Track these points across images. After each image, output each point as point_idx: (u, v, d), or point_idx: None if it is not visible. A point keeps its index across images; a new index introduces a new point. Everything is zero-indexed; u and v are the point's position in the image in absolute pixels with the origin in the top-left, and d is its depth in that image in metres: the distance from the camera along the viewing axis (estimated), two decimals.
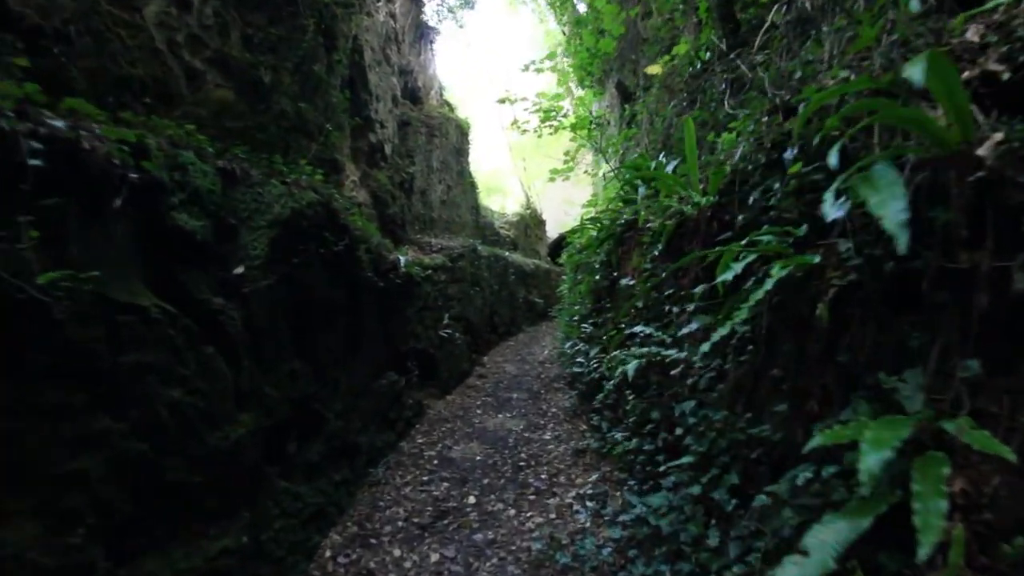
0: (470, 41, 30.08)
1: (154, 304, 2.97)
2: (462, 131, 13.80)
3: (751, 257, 2.27)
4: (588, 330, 6.81)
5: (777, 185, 2.53)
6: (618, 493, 4.65)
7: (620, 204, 7.08)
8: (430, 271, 7.71)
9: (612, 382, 5.13)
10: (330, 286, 4.74)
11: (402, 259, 6.42)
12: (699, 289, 3.20)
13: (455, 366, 8.62)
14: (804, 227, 2.32)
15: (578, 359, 7.38)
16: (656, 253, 4.36)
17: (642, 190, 5.45)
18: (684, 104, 6.51)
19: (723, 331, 2.31)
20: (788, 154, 2.55)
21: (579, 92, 11.61)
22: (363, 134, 8.93)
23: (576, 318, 7.89)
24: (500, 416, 7.40)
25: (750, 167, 3.01)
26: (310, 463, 4.26)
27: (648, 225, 4.65)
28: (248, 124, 5.69)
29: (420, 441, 6.31)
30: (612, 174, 9.61)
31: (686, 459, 2.93)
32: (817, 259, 2.07)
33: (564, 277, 14.02)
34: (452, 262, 8.82)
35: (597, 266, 6.81)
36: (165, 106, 4.79)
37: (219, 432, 3.23)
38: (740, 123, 3.43)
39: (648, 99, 8.68)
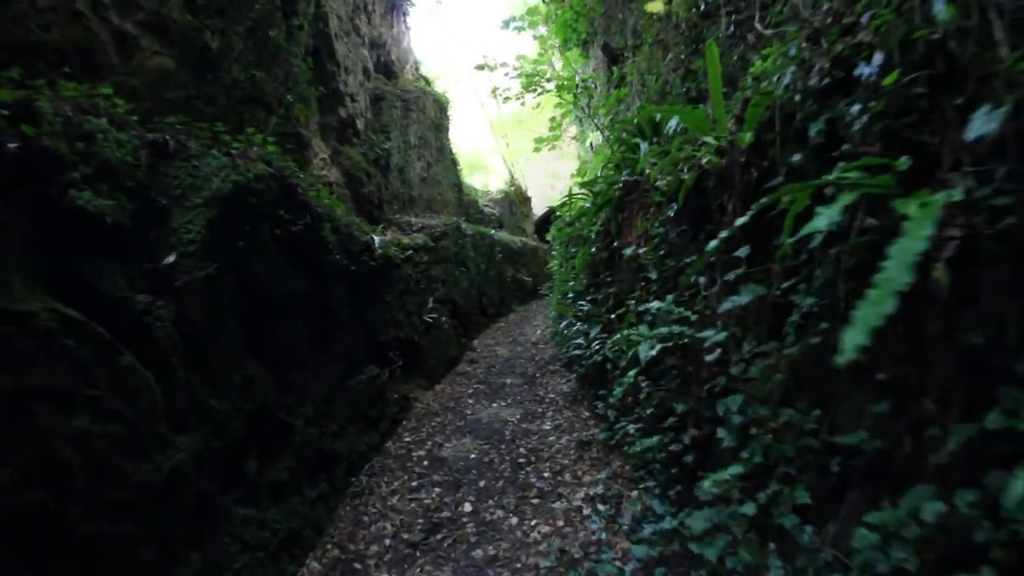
0: (447, 13, 28.99)
1: (46, 309, 2.27)
2: (440, 106, 12.98)
3: (850, 198, 1.61)
4: (586, 308, 6.17)
5: (856, 107, 1.87)
6: (634, 493, 4.05)
7: (613, 170, 6.40)
8: (410, 252, 7.01)
9: (621, 366, 4.50)
10: (290, 273, 4.03)
11: (376, 239, 5.72)
12: (743, 251, 2.55)
13: (443, 353, 7.96)
14: (905, 159, 1.66)
15: (576, 340, 6.76)
16: (671, 215, 3.70)
17: (644, 147, 4.76)
18: (684, 56, 5.80)
19: (807, 302, 1.68)
20: (866, 69, 1.88)
21: (560, 63, 10.82)
22: (332, 108, 8.14)
23: (571, 295, 7.25)
24: (494, 405, 6.77)
25: (797, 96, 2.34)
26: (277, 482, 3.60)
27: (657, 184, 3.98)
28: (192, 94, 4.92)
29: (408, 440, 5.67)
30: (603, 140, 8.91)
31: (734, 469, 2.30)
32: (958, 195, 1.42)
33: (553, 253, 13.39)
34: (434, 241, 8.12)
35: (593, 236, 6.15)
36: (91, 76, 4.04)
37: (148, 464, 2.55)
38: (775, 49, 2.75)
39: (639, 58, 7.95)
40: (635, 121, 5.14)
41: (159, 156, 3.36)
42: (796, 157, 2.21)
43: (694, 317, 3.38)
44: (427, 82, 12.62)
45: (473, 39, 32.15)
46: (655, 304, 3.61)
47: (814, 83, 2.25)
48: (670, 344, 3.37)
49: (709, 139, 3.08)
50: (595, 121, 9.00)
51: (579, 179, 9.39)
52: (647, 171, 4.48)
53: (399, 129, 10.26)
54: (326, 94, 7.91)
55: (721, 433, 2.52)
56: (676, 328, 3.32)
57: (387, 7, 11.81)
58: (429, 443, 5.60)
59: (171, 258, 3.00)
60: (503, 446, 5.50)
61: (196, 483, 2.83)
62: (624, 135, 5.67)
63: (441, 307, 8.03)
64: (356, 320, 5.30)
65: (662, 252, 4.03)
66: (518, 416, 6.33)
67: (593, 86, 8.62)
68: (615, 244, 5.18)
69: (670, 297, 3.62)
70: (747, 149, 2.63)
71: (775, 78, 2.57)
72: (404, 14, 12.94)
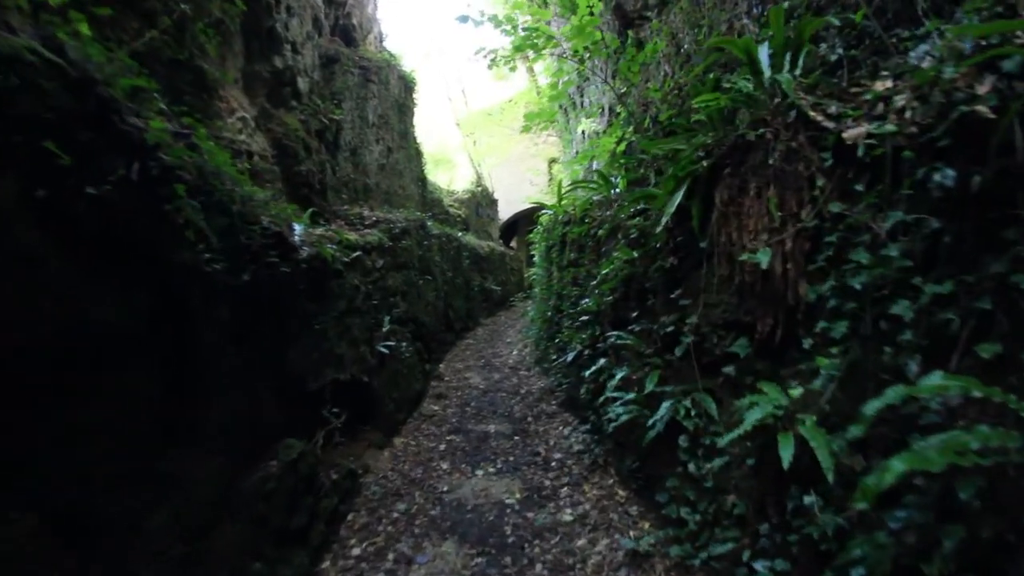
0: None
1: None
2: (406, 84, 10.72)
3: None
4: (623, 341, 4.06)
5: None
6: None
7: (648, 143, 4.38)
8: (359, 253, 4.75)
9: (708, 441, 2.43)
10: (83, 285, 1.77)
11: (298, 229, 3.50)
12: None
13: (404, 390, 5.71)
14: None
15: (588, 374, 4.67)
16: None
17: (786, 76, 2.72)
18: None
19: None
20: None
21: (557, 26, 8.75)
22: (264, 54, 5.82)
23: (585, 318, 5.14)
24: (479, 474, 4.59)
25: None
26: None
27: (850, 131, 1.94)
28: None
29: (355, 555, 3.40)
30: (606, 118, 6.89)
31: None
32: None
33: (535, 258, 11.30)
34: (393, 240, 5.87)
35: (639, 233, 4.08)
36: None
37: None
38: None
39: (673, 15, 5.97)
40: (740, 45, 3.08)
41: None
42: None
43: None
44: (392, 56, 10.34)
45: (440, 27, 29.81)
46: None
47: None
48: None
49: None
50: (613, 88, 6.95)
51: (576, 170, 7.34)
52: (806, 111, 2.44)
53: (355, 101, 7.97)
54: (256, 32, 5.60)
55: None
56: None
57: None
58: (390, 559, 3.36)
59: None
60: (507, 559, 3.33)
61: None
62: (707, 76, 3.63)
63: (401, 329, 5.78)
64: (260, 367, 3.04)
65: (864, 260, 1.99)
66: (518, 495, 4.17)
67: (604, 49, 6.59)
68: (709, 244, 3.10)
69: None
70: None
71: None
72: None
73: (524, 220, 21.62)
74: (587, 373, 4.80)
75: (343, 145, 7.37)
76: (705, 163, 3.17)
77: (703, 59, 4.97)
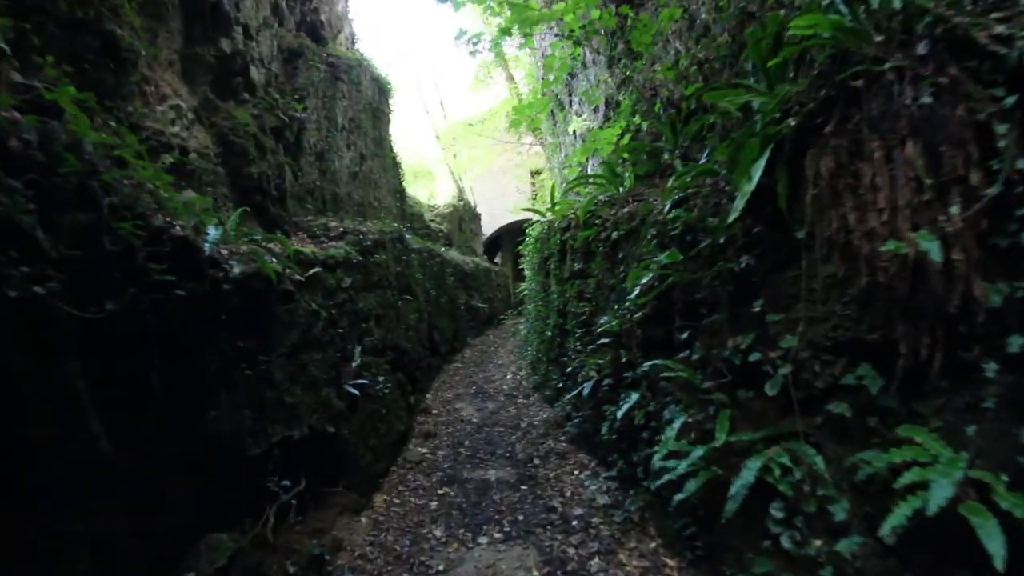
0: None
1: None
2: (380, 88, 9.78)
3: None
4: (671, 370, 3.08)
5: None
6: None
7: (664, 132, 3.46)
8: (317, 270, 3.72)
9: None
10: None
11: (212, 233, 2.52)
12: None
13: (384, 434, 4.67)
14: None
15: (616, 413, 3.70)
16: None
17: None
18: None
19: None
20: None
21: None
22: (207, 34, 4.83)
23: (605, 340, 4.17)
24: (482, 543, 3.56)
25: None
26: None
27: None
28: None
29: None
30: (623, 97, 5.99)
31: None
32: None
33: (524, 272, 10.34)
34: (364, 255, 4.83)
35: (676, 230, 3.16)
36: None
37: None
38: None
39: None
40: None
41: None
42: None
43: None
44: (364, 58, 9.40)
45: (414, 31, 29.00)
46: None
47: None
48: None
49: None
50: (603, 81, 6.09)
51: (576, 159, 6.43)
52: None
53: (321, 99, 6.99)
54: (197, 9, 4.61)
55: None
56: None
57: None
58: None
59: None
60: None
61: None
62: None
63: (377, 360, 4.76)
64: (159, 439, 2.02)
65: None
66: (536, 573, 3.15)
67: (602, 33, 5.73)
68: (808, 235, 2.16)
69: None
70: None
71: None
72: None
73: (508, 234, 20.73)
74: (613, 411, 3.83)
75: (307, 148, 6.37)
76: (791, 122, 2.26)
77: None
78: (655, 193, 4.17)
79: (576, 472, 4.59)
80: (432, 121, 18.78)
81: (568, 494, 4.17)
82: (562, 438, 5.31)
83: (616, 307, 4.08)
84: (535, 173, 19.68)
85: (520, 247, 10.50)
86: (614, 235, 4.36)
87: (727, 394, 2.65)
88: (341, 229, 4.93)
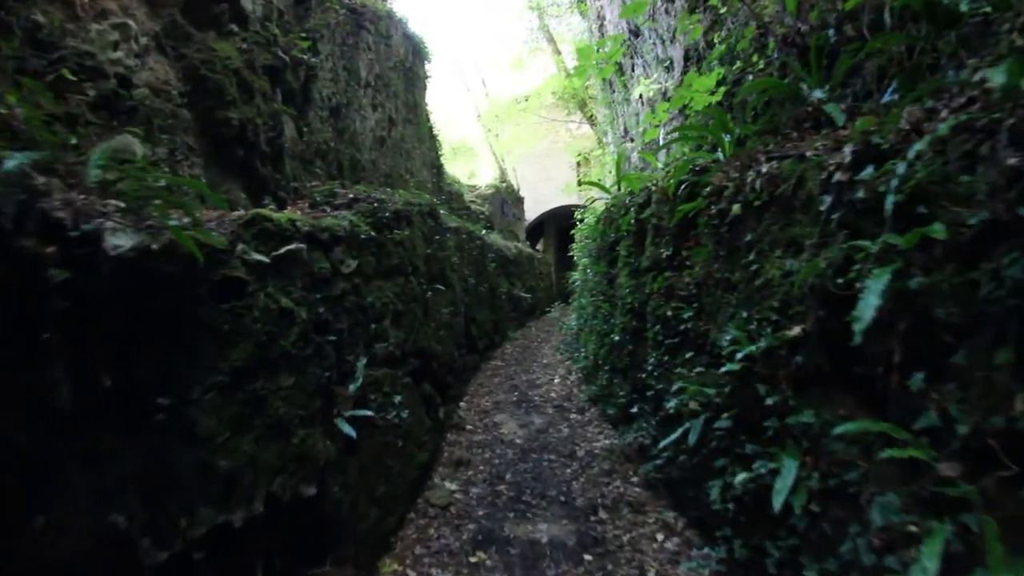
0: None
1: None
2: (415, 47, 8.46)
3: None
4: (896, 450, 1.68)
5: None
6: None
7: None
8: (295, 247, 2.37)
9: None
10: None
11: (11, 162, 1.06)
12: None
13: (396, 476, 3.36)
14: None
15: (741, 479, 2.33)
16: None
17: None
18: None
19: None
20: None
21: None
22: None
23: (732, 367, 2.74)
24: None
25: None
26: None
27: None
28: None
29: None
30: (717, 38, 4.49)
31: None
32: None
33: (576, 259, 8.92)
34: (378, 230, 3.45)
35: (895, 194, 1.71)
36: None
37: None
38: None
39: None
40: None
41: None
42: None
43: None
44: (394, 12, 8.09)
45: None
46: None
47: None
48: None
49: None
50: (684, 28, 4.60)
51: (662, 116, 4.95)
52: None
53: (339, 47, 5.70)
54: None
55: None
56: None
57: None
58: None
59: None
60: None
61: None
62: None
63: (394, 373, 3.44)
64: None
65: None
66: None
67: None
68: None
69: None
70: None
71: None
72: None
73: (552, 220, 19.27)
74: (735, 472, 2.44)
75: (318, 100, 5.10)
76: None
77: None
78: (810, 146, 2.70)
79: (660, 538, 3.22)
80: (473, 99, 17.41)
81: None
82: (634, 479, 3.93)
83: (744, 315, 2.66)
84: (582, 158, 18.13)
85: (572, 231, 9.12)
86: (735, 209, 2.92)
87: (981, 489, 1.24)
88: (351, 196, 3.62)
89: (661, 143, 6.16)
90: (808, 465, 2.16)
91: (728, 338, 2.70)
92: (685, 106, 5.25)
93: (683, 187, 3.58)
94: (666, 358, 3.63)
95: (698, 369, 3.09)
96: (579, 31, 11.69)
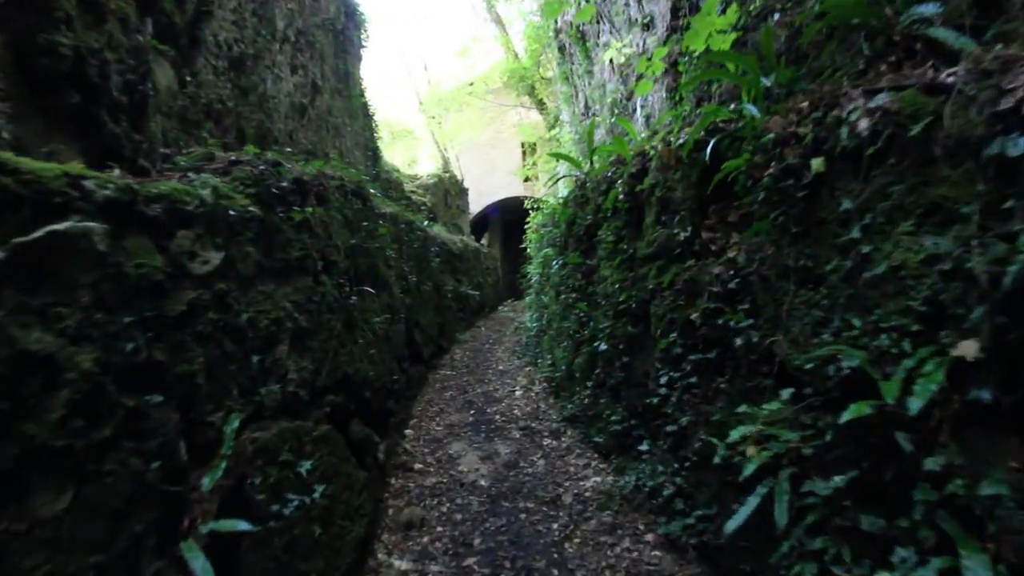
0: None
1: None
2: (349, 10, 7.15)
3: None
4: None
5: None
6: None
7: None
8: (70, 228, 1.16)
9: None
10: None
11: None
12: None
13: None
14: None
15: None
16: None
17: None
18: None
19: None
20: None
21: None
22: None
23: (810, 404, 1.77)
24: None
25: None
26: None
27: None
28: None
29: None
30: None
31: None
32: None
33: (532, 252, 7.88)
34: (266, 207, 2.21)
35: None
36: None
37: None
38: None
39: None
40: None
41: None
42: None
43: None
44: None
45: None
46: None
47: None
48: None
49: None
50: None
51: (656, 68, 3.98)
52: None
53: None
54: None
55: None
56: None
57: None
58: None
59: None
60: None
61: None
62: None
63: (300, 426, 2.27)
64: None
65: None
66: None
67: None
68: None
69: None
70: None
71: None
72: None
73: (497, 213, 18.21)
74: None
75: (211, 44, 3.80)
76: None
77: None
78: (923, 77, 1.76)
79: None
80: (415, 85, 16.06)
81: None
82: (648, 536, 2.93)
83: (848, 322, 1.70)
84: (528, 147, 17.12)
85: (521, 223, 8.07)
86: (816, 165, 1.94)
87: None
88: (231, 159, 2.41)
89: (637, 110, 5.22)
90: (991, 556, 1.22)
91: (819, 356, 1.72)
92: (675, 63, 4.31)
93: (706, 146, 2.60)
94: (693, 380, 2.64)
95: (773, 406, 2.08)
96: (530, 10, 10.68)
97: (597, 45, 6.97)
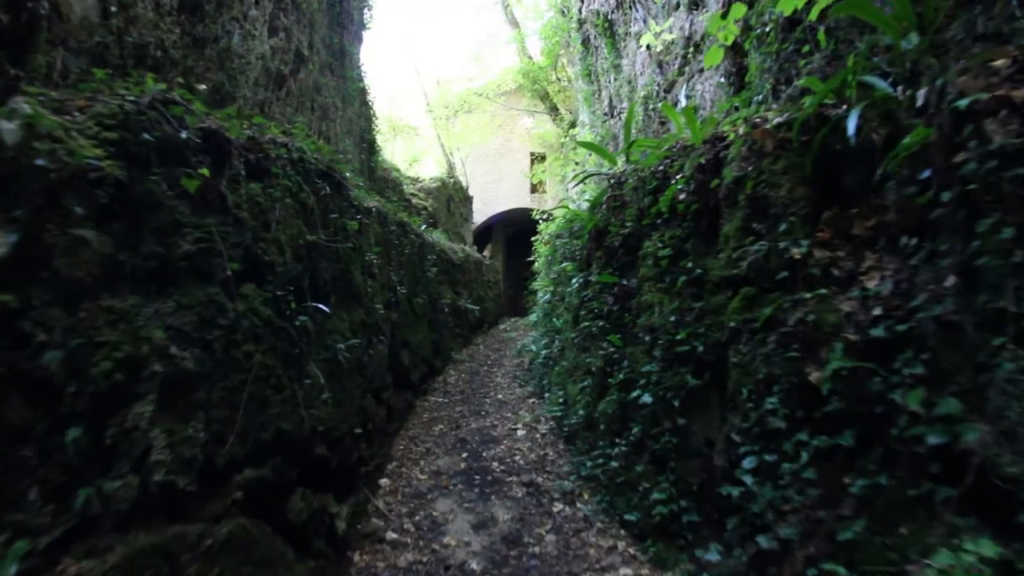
0: None
1: None
2: None
3: None
4: None
5: None
6: None
7: None
8: None
9: None
10: None
11: None
12: None
13: None
14: None
15: None
16: None
17: None
18: None
19: None
20: None
21: None
22: None
23: None
24: None
25: None
26: None
27: None
28: None
29: None
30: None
31: None
32: None
33: (543, 268, 6.94)
34: (130, 165, 1.31)
35: None
36: None
37: None
38: None
39: None
40: None
41: None
42: None
43: None
44: None
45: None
46: None
47: None
48: None
49: None
50: None
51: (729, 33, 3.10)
52: None
53: None
54: None
55: None
56: None
57: None
58: None
59: None
60: None
61: None
62: None
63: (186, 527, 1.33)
64: None
65: None
66: None
67: None
68: None
69: None
70: None
71: None
72: None
73: (502, 224, 17.33)
74: None
75: None
76: None
77: None
78: None
79: None
80: (423, 83, 15.26)
81: None
82: None
83: None
84: (537, 158, 16.28)
85: (527, 236, 7.14)
86: None
87: None
88: (104, 99, 1.50)
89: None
90: None
91: None
92: (736, 45, 3.43)
93: (821, 126, 1.69)
94: (808, 474, 1.70)
95: (979, 546, 1.15)
96: (546, 7, 9.91)
97: (628, 34, 6.11)
